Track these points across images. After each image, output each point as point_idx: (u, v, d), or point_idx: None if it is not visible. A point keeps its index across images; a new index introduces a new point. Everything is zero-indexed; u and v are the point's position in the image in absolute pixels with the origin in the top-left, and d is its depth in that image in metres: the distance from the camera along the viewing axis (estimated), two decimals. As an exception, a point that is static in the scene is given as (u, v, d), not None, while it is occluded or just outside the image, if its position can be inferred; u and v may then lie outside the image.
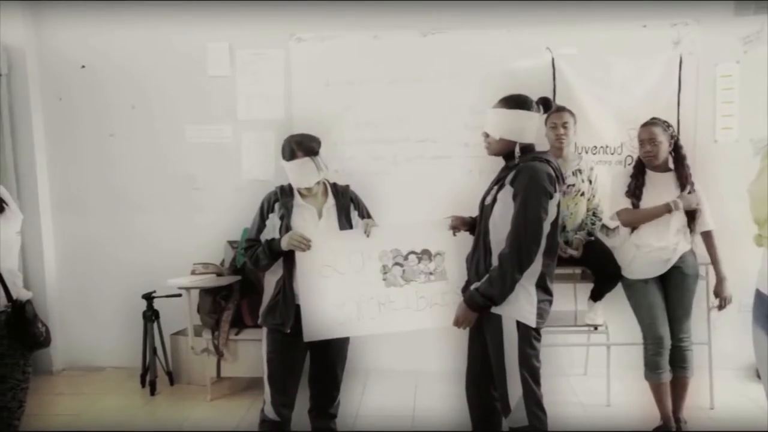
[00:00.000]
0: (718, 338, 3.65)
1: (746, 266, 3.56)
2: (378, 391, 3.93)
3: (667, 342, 3.17)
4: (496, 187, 2.49)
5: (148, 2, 4.11)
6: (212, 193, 4.29)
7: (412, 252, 2.66)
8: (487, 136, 2.53)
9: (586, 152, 3.91)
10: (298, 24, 4.10)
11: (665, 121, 3.26)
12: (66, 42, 4.27)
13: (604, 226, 3.72)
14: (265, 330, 2.74)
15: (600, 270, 3.48)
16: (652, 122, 3.24)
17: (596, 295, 3.58)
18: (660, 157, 3.19)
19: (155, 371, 3.99)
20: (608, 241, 3.63)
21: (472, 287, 2.44)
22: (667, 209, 3.16)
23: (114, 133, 4.33)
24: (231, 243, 4.16)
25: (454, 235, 2.68)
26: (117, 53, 4.26)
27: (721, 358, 3.69)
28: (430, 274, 2.66)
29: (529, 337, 2.42)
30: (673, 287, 3.23)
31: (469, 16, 4.02)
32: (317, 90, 4.12)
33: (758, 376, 3.87)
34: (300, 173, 2.67)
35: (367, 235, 2.65)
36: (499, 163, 2.57)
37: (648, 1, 3.91)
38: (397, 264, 2.66)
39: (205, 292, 3.91)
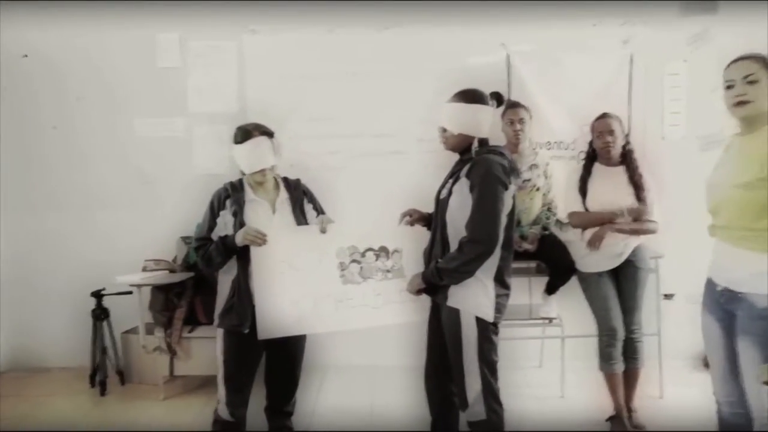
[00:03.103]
0: (666, 329, 3.74)
1: (693, 259, 3.70)
2: (335, 387, 3.91)
3: (620, 333, 3.24)
4: (451, 181, 2.50)
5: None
6: (163, 187, 4.18)
7: (370, 249, 2.64)
8: (444, 131, 2.53)
9: (541, 148, 3.95)
10: (252, 16, 4.02)
11: (617, 116, 3.33)
12: (7, 30, 4.07)
13: (558, 221, 3.77)
14: (220, 330, 2.67)
15: (554, 264, 3.53)
16: (608, 115, 3.29)
17: (551, 289, 3.63)
18: (617, 149, 3.25)
19: (105, 371, 3.88)
20: (562, 236, 3.68)
21: (433, 262, 2.46)
22: (614, 216, 3.21)
23: (57, 126, 4.17)
24: (184, 239, 4.05)
25: (412, 225, 2.67)
26: (61, 43, 4.10)
27: (669, 349, 3.79)
28: (388, 271, 2.64)
29: (487, 331, 2.44)
30: (625, 280, 3.30)
31: (425, 12, 4.01)
32: (271, 83, 4.05)
33: (705, 365, 4.01)
34: (255, 154, 2.59)
35: (323, 232, 2.61)
36: (454, 157, 2.58)
37: (598, 0, 3.96)
38: (354, 261, 2.63)
39: (157, 289, 3.82)
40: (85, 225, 4.21)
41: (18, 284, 4.26)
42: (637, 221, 3.24)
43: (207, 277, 3.80)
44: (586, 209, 3.31)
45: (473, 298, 2.42)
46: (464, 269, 2.39)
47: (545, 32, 3.99)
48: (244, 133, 2.61)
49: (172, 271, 3.89)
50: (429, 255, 2.57)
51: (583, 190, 3.31)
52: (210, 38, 4.09)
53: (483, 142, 2.51)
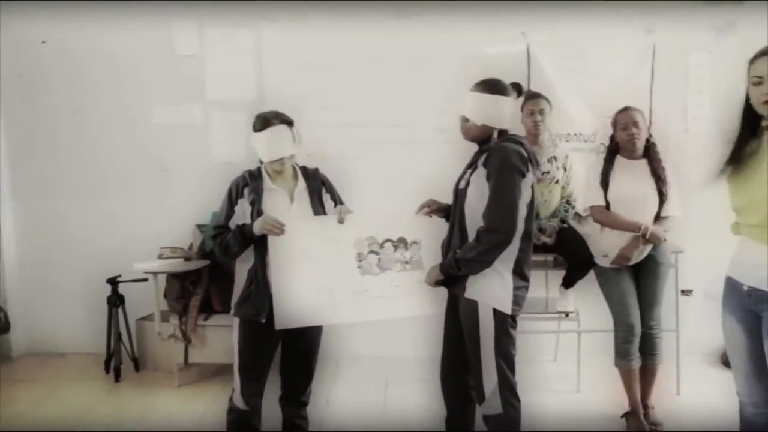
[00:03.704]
0: (683, 325, 3.69)
1: (712, 255, 3.65)
2: (350, 377, 3.90)
3: (638, 329, 3.20)
4: (469, 171, 2.47)
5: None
6: (180, 175, 4.18)
7: (388, 240, 2.61)
8: (465, 120, 2.50)
9: (560, 140, 3.90)
10: (271, 3, 3.99)
11: (640, 109, 3.28)
12: (26, 17, 4.08)
13: (577, 214, 3.72)
14: (236, 319, 2.66)
15: (572, 257, 3.49)
16: (631, 108, 3.24)
17: (568, 283, 3.59)
18: (641, 142, 3.20)
19: (120, 357, 3.90)
20: (581, 229, 3.63)
21: (452, 253, 2.44)
22: (637, 228, 3.14)
23: (77, 112, 4.17)
24: (200, 227, 4.06)
25: (430, 216, 2.64)
26: (81, 29, 4.09)
27: (686, 345, 3.74)
28: (406, 263, 2.61)
29: (505, 324, 2.41)
30: (645, 275, 3.26)
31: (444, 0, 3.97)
32: (289, 71, 4.03)
33: (722, 363, 3.97)
34: (274, 142, 2.57)
35: (342, 222, 2.59)
36: (473, 147, 2.54)
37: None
38: (372, 252, 2.60)
39: (172, 276, 3.82)
40: (101, 212, 4.22)
41: (34, 270, 4.30)
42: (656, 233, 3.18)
43: (222, 266, 3.80)
44: (608, 202, 3.26)
45: (491, 290, 2.40)
46: (482, 259, 2.36)
47: (566, 22, 3.93)
48: (264, 121, 2.59)
49: (187, 258, 3.89)
50: (447, 246, 2.54)
51: (605, 183, 3.26)
52: (228, 25, 4.06)
53: (503, 133, 2.48)
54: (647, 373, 3.28)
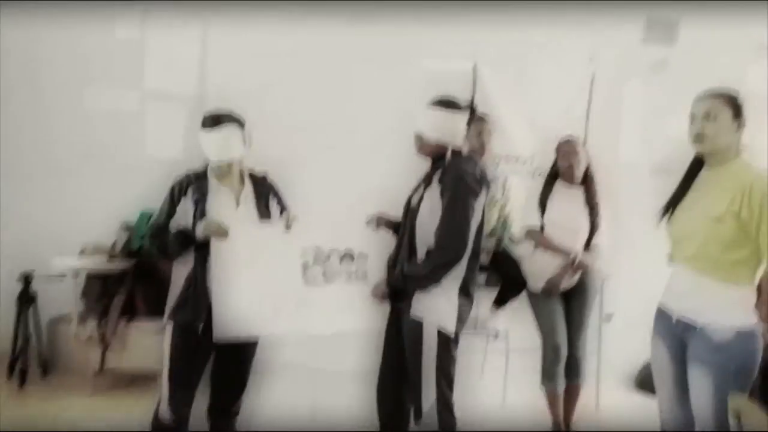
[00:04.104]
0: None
1: (635, 281, 3.82)
2: (279, 388, 3.76)
3: (564, 351, 3.29)
4: (422, 186, 2.47)
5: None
6: (109, 166, 3.95)
7: (335, 251, 2.56)
8: (420, 137, 2.49)
9: (500, 161, 3.97)
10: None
11: (581, 139, 3.40)
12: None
13: (511, 236, 3.79)
14: (169, 324, 2.53)
15: (506, 278, 3.55)
16: (573, 138, 3.36)
17: (499, 302, 3.65)
18: (580, 171, 3.31)
19: (27, 360, 3.62)
20: (515, 250, 3.70)
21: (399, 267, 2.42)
22: (570, 257, 3.25)
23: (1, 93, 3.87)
24: (126, 225, 3.86)
25: (376, 229, 2.62)
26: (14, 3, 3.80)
27: (605, 367, 3.88)
28: (351, 275, 2.57)
29: (448, 343, 2.42)
30: (573, 299, 3.36)
31: (395, 10, 3.95)
32: (236, 68, 3.91)
33: (637, 385, 4.16)
34: (223, 143, 2.47)
35: (288, 229, 2.52)
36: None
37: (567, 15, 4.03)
38: (318, 262, 2.54)
39: (93, 276, 3.62)
40: (18, 202, 3.93)
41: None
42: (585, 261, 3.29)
43: (148, 266, 3.64)
44: (543, 225, 3.35)
45: (437, 308, 2.40)
46: (431, 276, 2.36)
47: (513, 43, 4.02)
48: (214, 120, 2.48)
49: (111, 257, 3.69)
50: (394, 261, 2.53)
51: (542, 206, 3.35)
52: (174, 14, 3.87)
53: (457, 150, 2.49)
54: (571, 395, 3.38)
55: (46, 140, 3.93)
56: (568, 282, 3.30)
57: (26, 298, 3.66)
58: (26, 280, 3.67)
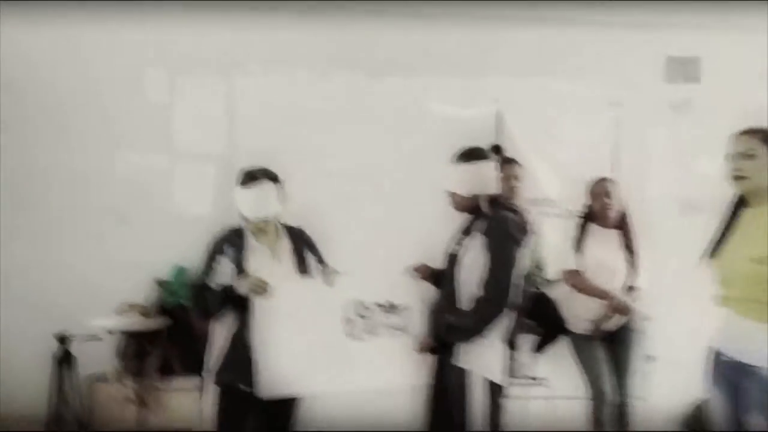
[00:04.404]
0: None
1: (677, 324, 3.75)
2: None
3: (612, 398, 3.21)
4: (463, 236, 2.46)
5: (80, 17, 3.79)
6: (140, 226, 3.97)
7: (377, 304, 2.54)
8: (453, 194, 2.50)
9: (529, 204, 3.96)
10: (244, 53, 3.96)
11: (614, 180, 3.39)
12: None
13: (546, 279, 3.76)
14: (212, 386, 2.51)
15: (544, 322, 3.50)
16: (606, 179, 3.35)
17: (539, 347, 3.59)
18: (614, 212, 3.29)
19: (65, 421, 3.60)
20: (551, 293, 3.66)
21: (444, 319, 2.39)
22: (609, 297, 3.21)
23: (33, 159, 3.94)
24: (159, 282, 3.88)
25: (420, 279, 2.60)
26: (42, 73, 3.92)
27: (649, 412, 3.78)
28: (395, 328, 2.54)
29: (496, 394, 2.38)
30: (618, 342, 3.30)
31: (415, 60, 4.03)
32: (261, 123, 3.95)
33: (687, 429, 4.03)
34: (259, 200, 2.49)
35: (329, 284, 2.51)
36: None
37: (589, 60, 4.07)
38: (360, 316, 2.52)
39: (129, 335, 3.61)
40: (53, 263, 3.95)
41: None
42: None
43: (183, 324, 3.64)
44: (580, 268, 3.31)
45: (483, 358, 2.37)
46: (476, 328, 2.34)
47: (536, 89, 4.05)
48: (250, 177, 2.52)
49: (147, 316, 3.69)
50: (437, 313, 2.50)
51: (577, 249, 3.33)
52: (200, 74, 3.98)
53: (494, 197, 2.49)
54: (619, 444, 3.29)
55: (79, 201, 3.98)
56: (612, 325, 3.24)
57: (62, 358, 3.65)
58: (62, 340, 3.66)
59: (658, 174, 4.18)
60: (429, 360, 2.52)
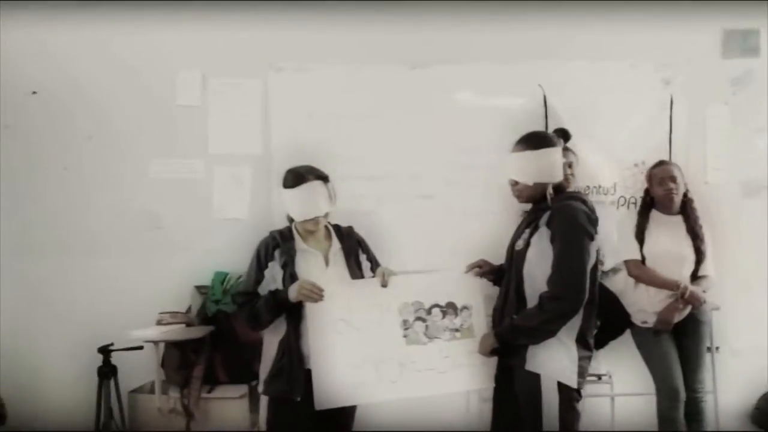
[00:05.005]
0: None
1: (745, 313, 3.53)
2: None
3: (683, 394, 3.02)
4: (527, 231, 2.28)
5: (111, 20, 3.71)
6: (177, 233, 3.87)
7: (436, 305, 2.37)
8: (515, 183, 2.33)
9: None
10: (278, 52, 3.82)
11: (676, 164, 3.19)
12: (16, 63, 3.81)
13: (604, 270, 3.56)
14: (264, 397, 2.38)
15: (606, 317, 3.29)
16: (668, 162, 3.18)
17: (600, 343, 3.39)
18: (679, 197, 3.10)
19: (110, 434, 3.52)
20: (611, 285, 3.46)
21: (509, 319, 2.23)
22: (676, 287, 3.03)
23: (68, 167, 3.87)
24: (199, 288, 3.77)
25: (480, 277, 2.44)
26: (75, 77, 3.82)
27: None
28: (456, 330, 2.37)
29: (570, 399, 2.20)
30: (687, 335, 3.11)
31: (456, 49, 3.84)
32: (298, 123, 3.81)
33: (756, 423, 3.81)
34: (309, 200, 2.36)
35: (384, 285, 2.35)
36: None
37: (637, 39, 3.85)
38: (419, 319, 2.36)
39: (172, 344, 3.50)
40: (92, 274, 3.86)
41: (18, 336, 3.88)
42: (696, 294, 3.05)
43: (227, 332, 3.53)
44: (644, 257, 3.12)
45: (555, 361, 2.19)
46: (545, 328, 2.16)
47: (581, 72, 3.85)
48: (297, 177, 2.38)
49: (189, 324, 3.58)
50: (501, 313, 2.33)
51: (640, 238, 3.13)
52: (232, 75, 3.85)
53: (559, 186, 2.31)
54: (693, 440, 3.09)
55: (116, 212, 3.89)
56: (679, 317, 3.04)
57: (106, 372, 3.56)
58: (105, 352, 3.57)
59: (717, 156, 3.93)
60: (494, 364, 2.35)
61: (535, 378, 2.19)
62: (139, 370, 3.55)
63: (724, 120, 3.90)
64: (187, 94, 3.85)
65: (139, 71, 3.84)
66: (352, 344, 2.30)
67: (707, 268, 3.13)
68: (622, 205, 3.75)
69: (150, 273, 3.82)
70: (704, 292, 3.07)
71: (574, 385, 2.20)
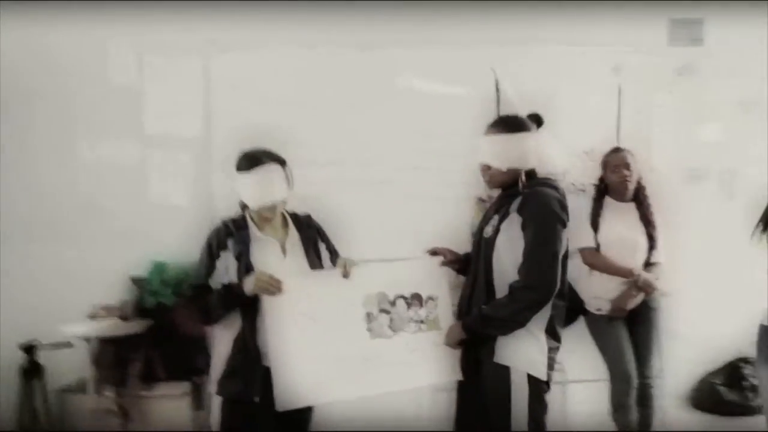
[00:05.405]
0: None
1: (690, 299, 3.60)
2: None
3: (635, 380, 3.05)
4: (496, 217, 2.20)
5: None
6: (113, 220, 3.62)
7: (401, 296, 2.25)
8: (488, 168, 2.24)
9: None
10: (221, 30, 3.59)
11: (630, 150, 3.19)
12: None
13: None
14: (217, 398, 2.21)
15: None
16: (622, 149, 3.17)
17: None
18: (633, 184, 3.10)
19: (36, 437, 3.25)
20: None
21: (477, 309, 2.15)
22: (630, 274, 3.05)
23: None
24: (135, 279, 3.54)
25: (444, 265, 2.34)
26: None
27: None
28: (421, 322, 2.25)
29: (539, 391, 2.15)
30: (638, 321, 3.14)
31: (409, 33, 3.73)
32: (241, 105, 3.60)
33: (695, 407, 3.93)
34: (266, 185, 2.19)
35: (346, 276, 2.22)
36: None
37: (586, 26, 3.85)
38: (383, 311, 2.23)
39: (106, 340, 3.27)
40: (15, 261, 3.57)
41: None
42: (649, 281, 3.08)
43: (166, 326, 3.34)
44: (598, 245, 3.11)
45: (525, 353, 2.13)
46: (515, 319, 2.09)
47: (534, 58, 3.81)
48: (252, 160, 2.20)
49: (124, 318, 3.35)
50: (468, 303, 2.24)
51: (594, 226, 3.13)
52: (170, 53, 3.60)
53: (531, 173, 2.24)
54: (643, 426, 3.12)
55: (44, 196, 3.60)
56: (633, 304, 3.06)
57: (30, 370, 3.29)
58: (29, 350, 3.30)
59: (662, 143, 3.99)
60: (460, 356, 2.26)
61: (505, 370, 2.12)
62: (71, 366, 3.32)
63: (669, 108, 3.96)
64: (120, 72, 3.57)
65: (72, 48, 3.57)
66: (314, 339, 2.15)
67: (658, 254, 3.16)
68: (572, 192, 3.74)
69: (82, 263, 3.57)
70: (656, 279, 3.10)
71: (545, 378, 2.15)
